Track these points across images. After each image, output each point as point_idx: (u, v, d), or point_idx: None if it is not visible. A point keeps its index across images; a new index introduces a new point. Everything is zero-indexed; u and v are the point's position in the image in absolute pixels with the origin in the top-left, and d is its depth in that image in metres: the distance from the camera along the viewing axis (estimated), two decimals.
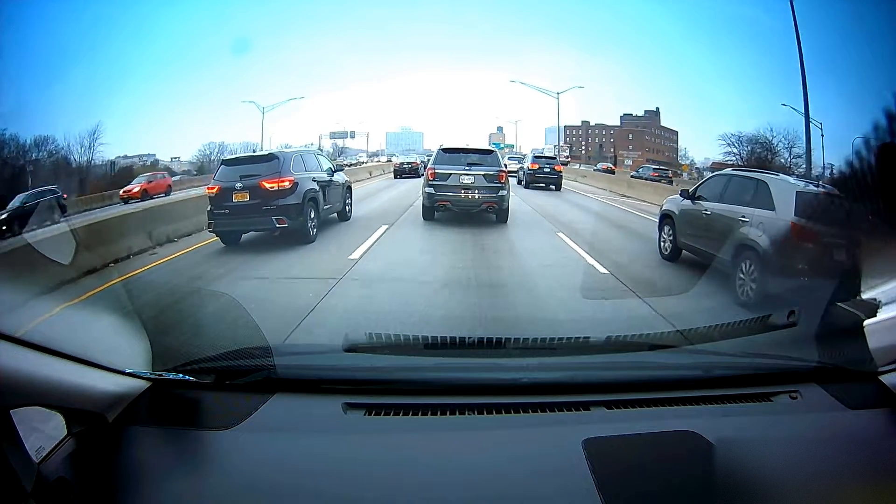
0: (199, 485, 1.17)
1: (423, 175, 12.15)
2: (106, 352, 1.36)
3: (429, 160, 12.01)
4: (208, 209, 7.59)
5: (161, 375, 1.47)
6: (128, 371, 1.39)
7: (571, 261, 7.21)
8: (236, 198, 7.32)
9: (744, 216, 5.85)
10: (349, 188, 10.12)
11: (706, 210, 6.65)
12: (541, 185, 17.53)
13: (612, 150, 37.83)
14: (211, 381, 1.51)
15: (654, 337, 3.10)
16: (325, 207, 8.50)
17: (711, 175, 7.83)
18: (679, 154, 36.16)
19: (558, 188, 17.60)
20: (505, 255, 7.48)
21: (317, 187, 8.18)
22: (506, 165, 10.61)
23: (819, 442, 1.41)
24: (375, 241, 7.88)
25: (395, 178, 20.56)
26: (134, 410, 1.34)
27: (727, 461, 1.23)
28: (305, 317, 4.46)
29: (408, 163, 21.59)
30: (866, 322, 1.56)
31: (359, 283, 5.69)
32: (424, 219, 9.87)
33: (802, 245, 5.26)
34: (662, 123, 38.09)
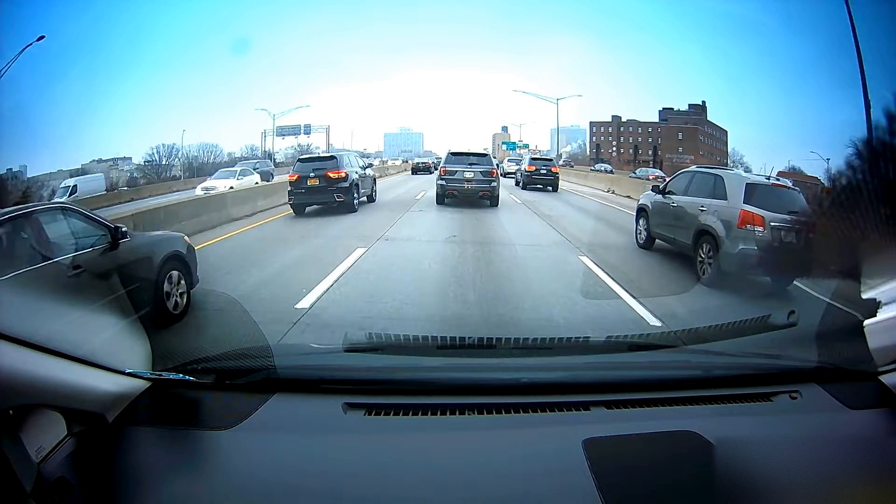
0: (199, 485, 1.17)
1: (432, 171, 18.57)
2: (106, 352, 1.36)
3: (439, 161, 16.31)
4: (289, 190, 11.68)
5: (161, 375, 1.47)
6: (128, 371, 1.39)
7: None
8: (310, 182, 11.49)
9: (702, 206, 6.80)
10: (375, 179, 14.49)
11: (674, 203, 7.59)
12: (538, 186, 18.29)
13: (650, 150, 31.29)
14: (211, 381, 1.51)
15: (654, 337, 3.11)
16: (362, 191, 12.52)
17: (679, 172, 8.72)
18: (731, 158, 28.93)
19: (555, 189, 18.30)
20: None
21: (357, 177, 12.23)
22: (499, 166, 13.89)
23: (819, 442, 1.41)
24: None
25: (413, 174, 25.99)
26: (134, 410, 1.34)
27: (727, 461, 1.23)
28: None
29: (422, 162, 27.84)
30: (866, 322, 1.56)
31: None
32: (437, 203, 13.00)
33: (750, 228, 6.12)
34: (697, 123, 30.79)
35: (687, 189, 7.48)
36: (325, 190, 11.37)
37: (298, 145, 33.06)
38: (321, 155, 13.07)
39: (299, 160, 12.48)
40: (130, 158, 26.84)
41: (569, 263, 7.16)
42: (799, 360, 1.80)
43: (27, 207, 4.00)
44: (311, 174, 11.52)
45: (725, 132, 30.97)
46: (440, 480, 1.19)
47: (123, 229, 4.37)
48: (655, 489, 1.18)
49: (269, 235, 9.23)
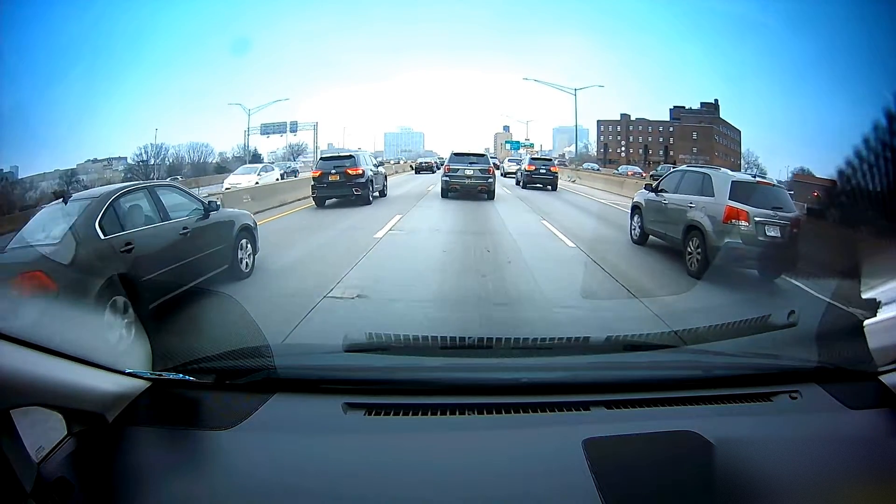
0: (199, 485, 1.17)
1: (435, 171, 21.21)
2: (106, 352, 1.36)
3: (442, 161, 19.00)
4: (312, 184, 13.22)
5: (161, 375, 1.47)
6: (128, 371, 1.39)
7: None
8: (331, 178, 12.98)
9: (691, 203, 7.27)
10: (386, 176, 16.12)
11: (665, 200, 8.03)
12: (538, 185, 18.73)
13: (661, 150, 29.16)
14: (211, 381, 1.51)
15: (654, 337, 3.10)
16: (375, 186, 14.04)
17: (670, 171, 9.30)
18: (745, 160, 26.15)
19: (554, 188, 18.71)
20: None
21: (371, 174, 13.77)
22: (497, 167, 15.28)
23: (819, 442, 1.41)
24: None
25: (416, 173, 26.40)
26: (134, 410, 1.34)
27: (727, 461, 1.23)
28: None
29: (425, 162, 28.40)
30: (866, 322, 1.56)
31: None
32: (442, 197, 14.83)
33: (735, 223, 6.55)
34: (712, 122, 28.26)
35: (677, 187, 7.92)
36: (344, 185, 12.99)
37: (289, 146, 31.23)
38: (341, 154, 14.56)
39: (321, 159, 14.41)
40: (125, 158, 25.86)
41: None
42: (799, 360, 1.80)
43: (149, 182, 6.08)
44: (332, 171, 13.13)
45: (739, 132, 28.59)
46: (440, 480, 1.19)
47: (217, 203, 5.92)
48: (655, 489, 1.18)
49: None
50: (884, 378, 1.54)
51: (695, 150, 28.98)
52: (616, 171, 26.73)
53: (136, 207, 4.88)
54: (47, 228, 4.34)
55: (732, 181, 6.92)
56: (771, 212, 6.55)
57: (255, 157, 29.16)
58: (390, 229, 9.38)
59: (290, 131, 29.36)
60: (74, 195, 4.93)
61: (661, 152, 30.13)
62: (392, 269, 6.56)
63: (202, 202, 5.75)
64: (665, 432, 1.35)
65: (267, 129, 28.83)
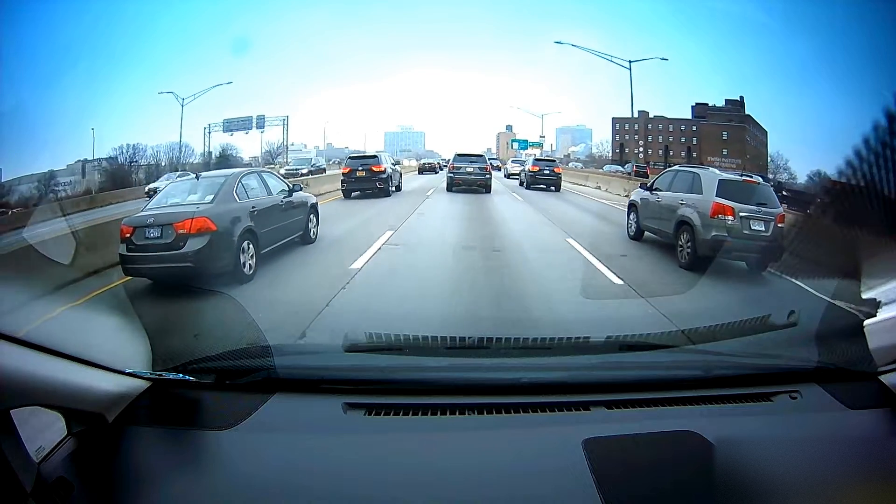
0: (199, 485, 1.17)
1: (438, 171, 24.08)
2: (106, 352, 1.36)
3: (445, 161, 22.69)
4: (342, 179, 15.26)
5: (161, 375, 1.47)
6: (128, 371, 1.39)
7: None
8: (358, 174, 14.96)
9: (682, 200, 7.78)
10: (401, 174, 18.29)
11: (659, 198, 8.52)
12: (541, 186, 18.88)
13: (683, 152, 26.89)
14: (211, 381, 1.51)
15: (654, 337, 3.10)
16: (393, 182, 15.94)
17: (664, 171, 9.94)
18: (776, 163, 23.44)
19: (557, 189, 18.77)
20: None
21: (392, 171, 15.84)
22: (498, 168, 17.65)
23: (819, 442, 1.41)
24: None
25: (419, 173, 27.63)
26: (134, 410, 1.34)
27: (727, 461, 1.23)
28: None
29: (427, 163, 29.68)
30: (866, 322, 1.56)
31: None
32: (448, 190, 17.00)
33: (722, 218, 7.06)
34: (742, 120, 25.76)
35: (670, 186, 8.42)
36: (369, 180, 15.05)
37: (279, 144, 27.33)
38: (366, 154, 16.86)
39: (350, 158, 16.66)
40: (116, 158, 24.94)
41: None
42: (799, 360, 1.80)
43: (258, 169, 8.56)
44: (360, 168, 15.21)
45: (766, 132, 25.41)
46: (440, 480, 1.20)
47: (299, 187, 8.14)
48: (656, 489, 1.18)
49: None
50: (884, 378, 1.54)
51: (725, 151, 26.07)
52: (601, 170, 25.77)
53: (254, 184, 6.96)
54: (180, 195, 6.53)
55: (720, 179, 7.44)
56: (756, 207, 7.04)
57: (224, 159, 24.83)
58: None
59: (257, 127, 24.29)
60: (203, 174, 7.29)
61: (682, 153, 27.40)
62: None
63: (288, 184, 7.86)
64: (665, 432, 1.35)
65: (230, 126, 23.72)
